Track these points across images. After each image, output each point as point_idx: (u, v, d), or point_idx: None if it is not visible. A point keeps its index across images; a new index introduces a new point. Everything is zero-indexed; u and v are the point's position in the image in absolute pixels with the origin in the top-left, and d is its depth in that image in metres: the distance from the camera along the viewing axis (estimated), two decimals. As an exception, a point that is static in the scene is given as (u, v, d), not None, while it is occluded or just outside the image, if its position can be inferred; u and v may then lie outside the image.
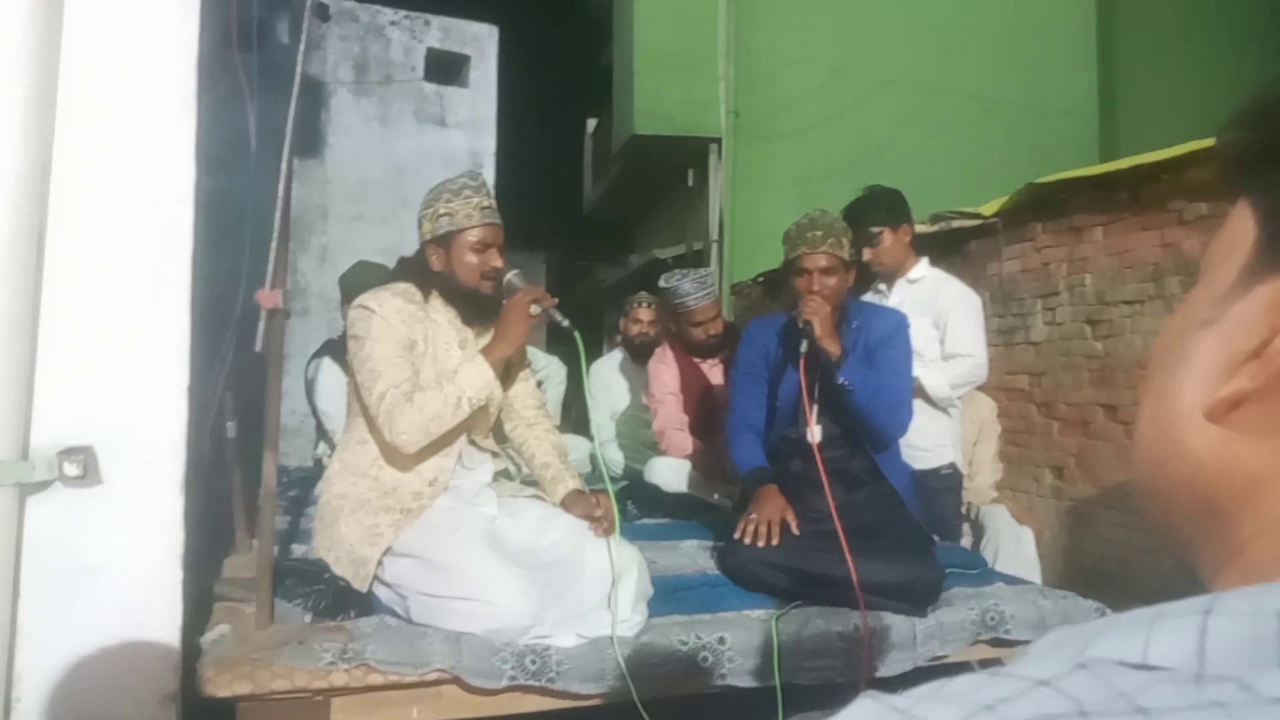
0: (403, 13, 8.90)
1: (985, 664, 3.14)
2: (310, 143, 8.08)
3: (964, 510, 3.87)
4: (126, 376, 1.75)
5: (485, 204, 2.39)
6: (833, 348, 2.64)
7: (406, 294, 2.42)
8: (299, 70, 2.19)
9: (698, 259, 10.73)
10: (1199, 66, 9.10)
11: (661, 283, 3.90)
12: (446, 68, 9.13)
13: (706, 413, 3.81)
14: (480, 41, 9.50)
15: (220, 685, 1.88)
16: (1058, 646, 0.32)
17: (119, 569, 1.73)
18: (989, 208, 6.22)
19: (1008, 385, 5.80)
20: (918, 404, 3.15)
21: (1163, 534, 0.41)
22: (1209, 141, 4.58)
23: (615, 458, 4.47)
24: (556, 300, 2.42)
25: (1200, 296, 0.41)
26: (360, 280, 3.58)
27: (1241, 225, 0.39)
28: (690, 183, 11.15)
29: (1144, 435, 0.42)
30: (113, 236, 1.73)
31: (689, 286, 3.78)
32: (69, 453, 1.66)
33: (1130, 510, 5.22)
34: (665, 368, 4.00)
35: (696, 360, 3.96)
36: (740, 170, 10.46)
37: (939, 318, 3.43)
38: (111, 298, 1.74)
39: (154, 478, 1.77)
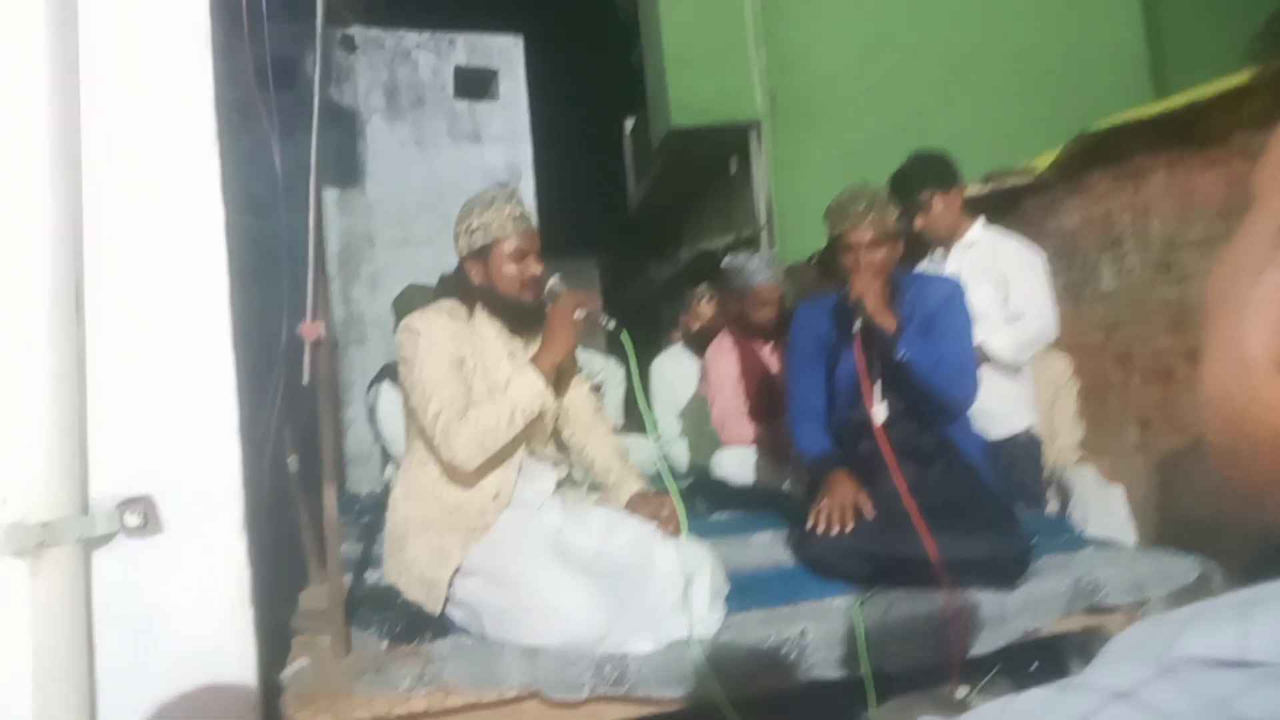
0: (427, 34, 8.92)
1: (1085, 633, 3.02)
2: (349, 172, 8.14)
3: (1047, 474, 3.74)
4: (177, 421, 1.76)
5: (517, 212, 2.36)
6: (887, 322, 2.55)
7: (451, 311, 2.40)
8: (316, 101, 2.19)
9: (748, 246, 10.63)
10: (1245, 2, 8.71)
11: (725, 263, 3.83)
12: (475, 84, 9.13)
13: (767, 399, 3.74)
14: (506, 54, 9.48)
15: (302, 719, 1.88)
16: (1140, 645, 0.27)
17: (189, 613, 1.73)
18: (1042, 161, 6.02)
19: (1081, 341, 5.59)
20: (987, 370, 3.05)
21: (1247, 501, 0.35)
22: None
23: (681, 454, 4.42)
24: (600, 304, 2.38)
25: (1252, 232, 0.34)
26: (412, 303, 3.59)
27: None
28: (733, 170, 11.06)
29: (1212, 393, 0.36)
30: (149, 282, 1.73)
31: (754, 265, 3.70)
32: (128, 503, 1.67)
33: (1223, 459, 5.00)
34: (722, 355, 3.93)
35: (756, 346, 3.89)
36: (782, 152, 10.33)
37: (1000, 279, 3.31)
38: (154, 344, 1.74)
39: (215, 520, 1.78)
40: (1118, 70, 10.53)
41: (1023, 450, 3.37)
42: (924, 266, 3.45)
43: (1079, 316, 5.67)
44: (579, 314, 2.34)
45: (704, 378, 4.07)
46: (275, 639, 2.15)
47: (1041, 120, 9.60)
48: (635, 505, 2.42)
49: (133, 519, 1.68)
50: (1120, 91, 10.17)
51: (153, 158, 1.74)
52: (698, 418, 4.60)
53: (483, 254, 2.36)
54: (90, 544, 1.65)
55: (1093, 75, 10.44)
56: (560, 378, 2.52)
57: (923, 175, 3.39)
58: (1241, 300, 0.34)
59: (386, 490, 4.09)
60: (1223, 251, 0.36)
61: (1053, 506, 3.75)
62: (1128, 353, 5.61)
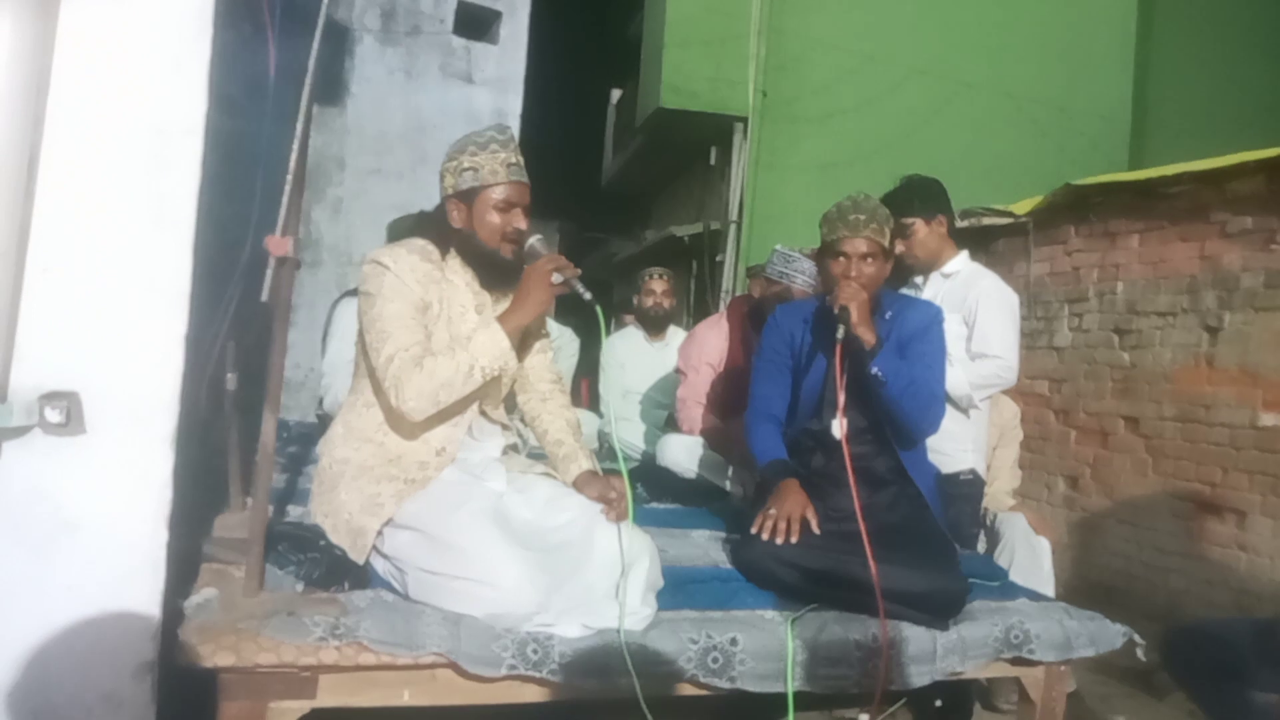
0: (438, -42, 8.66)
1: (999, 683, 3.02)
2: (331, 90, 7.85)
3: (980, 516, 3.74)
4: (120, 319, 1.62)
5: (513, 161, 2.25)
6: (868, 336, 2.51)
7: (424, 252, 2.28)
8: (323, 10, 2.05)
9: (715, 239, 10.58)
10: (1233, 81, 8.91)
11: (781, 248, 3.69)
12: (476, 22, 8.86)
13: (736, 394, 3.66)
14: (513, -2, 9.25)
15: (202, 655, 1.76)
16: None
17: (99, 527, 1.60)
18: (1021, 206, 6.06)
19: (1026, 390, 5.65)
20: (943, 405, 3.02)
21: None
22: (1259, 153, 4.42)
23: (627, 437, 4.34)
24: (580, 271, 2.28)
25: None
26: (407, 234, 3.40)
27: None
28: (712, 161, 10.98)
29: None
30: (114, 165, 1.58)
31: (806, 266, 3.57)
32: (52, 397, 1.53)
33: (1144, 525, 5.10)
34: (714, 334, 3.83)
35: (752, 340, 3.80)
36: (764, 152, 10.28)
37: (971, 314, 3.29)
38: (109, 232, 1.60)
39: (144, 431, 1.64)
40: (1100, 125, 10.75)
41: (964, 489, 3.36)
42: (901, 290, 3.42)
43: (1029, 365, 5.72)
44: (556, 278, 2.24)
45: (684, 350, 3.95)
46: (184, 563, 2.03)
47: (1018, 164, 9.75)
48: (582, 483, 2.33)
49: (54, 415, 1.54)
50: (1097, 149, 10.38)
51: (139, 30, 1.59)
52: (646, 402, 4.54)
53: (468, 196, 2.25)
54: (3, 434, 1.51)
55: (1075, 128, 10.64)
56: (524, 340, 2.43)
57: (909, 200, 3.37)
58: None
59: (319, 423, 3.94)
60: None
61: (979, 548, 3.76)
62: (1070, 409, 5.69)
